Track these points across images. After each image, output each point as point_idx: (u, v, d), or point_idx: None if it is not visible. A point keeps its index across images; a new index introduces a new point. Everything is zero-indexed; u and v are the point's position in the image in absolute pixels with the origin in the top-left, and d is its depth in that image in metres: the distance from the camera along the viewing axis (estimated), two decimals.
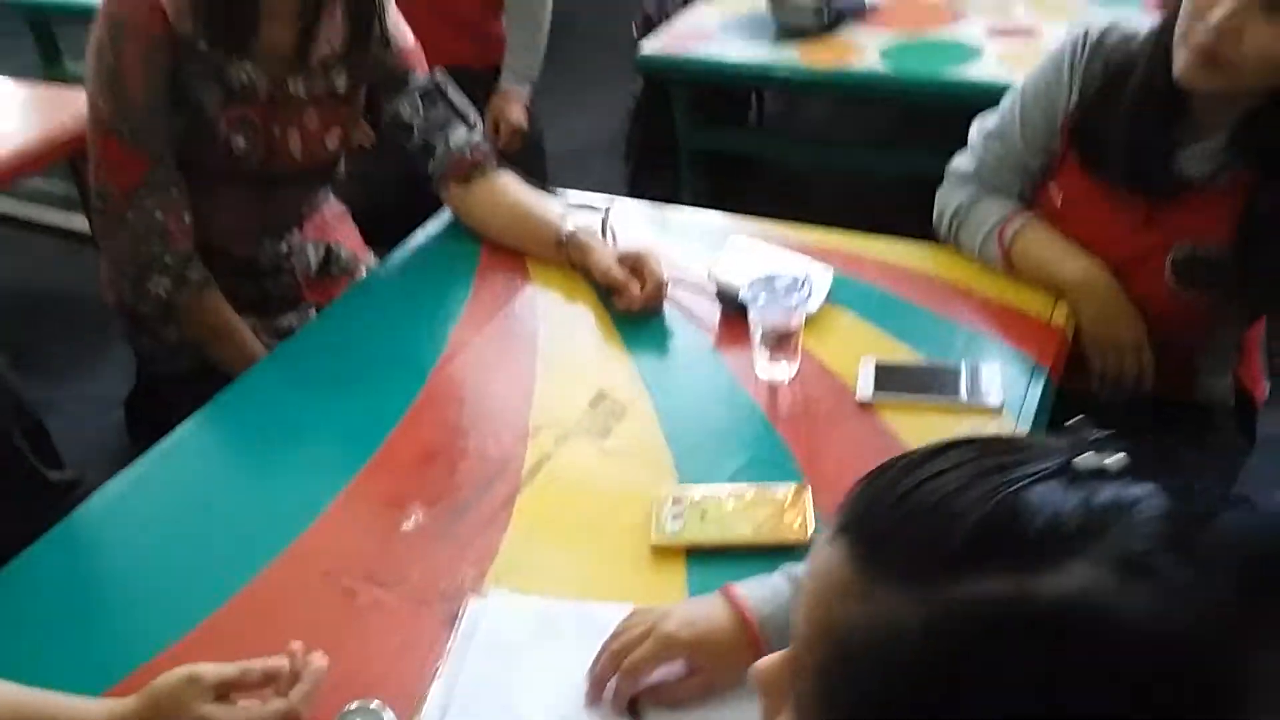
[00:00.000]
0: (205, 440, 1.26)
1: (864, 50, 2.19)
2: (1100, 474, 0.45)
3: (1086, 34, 1.30)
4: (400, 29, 1.54)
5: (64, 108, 2.21)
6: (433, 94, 1.54)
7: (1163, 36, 1.19)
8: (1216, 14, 1.09)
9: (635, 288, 1.36)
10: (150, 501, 1.16)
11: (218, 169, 1.47)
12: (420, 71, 1.55)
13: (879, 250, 1.47)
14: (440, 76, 1.56)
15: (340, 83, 1.50)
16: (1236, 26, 1.09)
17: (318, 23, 1.43)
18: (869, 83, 2.15)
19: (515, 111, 2.27)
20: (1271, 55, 1.10)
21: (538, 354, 1.33)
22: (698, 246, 1.48)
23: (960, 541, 0.43)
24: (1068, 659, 0.41)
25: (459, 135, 1.54)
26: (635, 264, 1.38)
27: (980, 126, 1.44)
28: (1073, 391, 1.33)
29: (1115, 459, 0.46)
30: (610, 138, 2.88)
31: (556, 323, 1.39)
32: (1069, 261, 1.35)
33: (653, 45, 2.35)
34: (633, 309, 1.36)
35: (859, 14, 2.31)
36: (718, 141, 2.58)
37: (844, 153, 2.79)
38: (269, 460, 1.22)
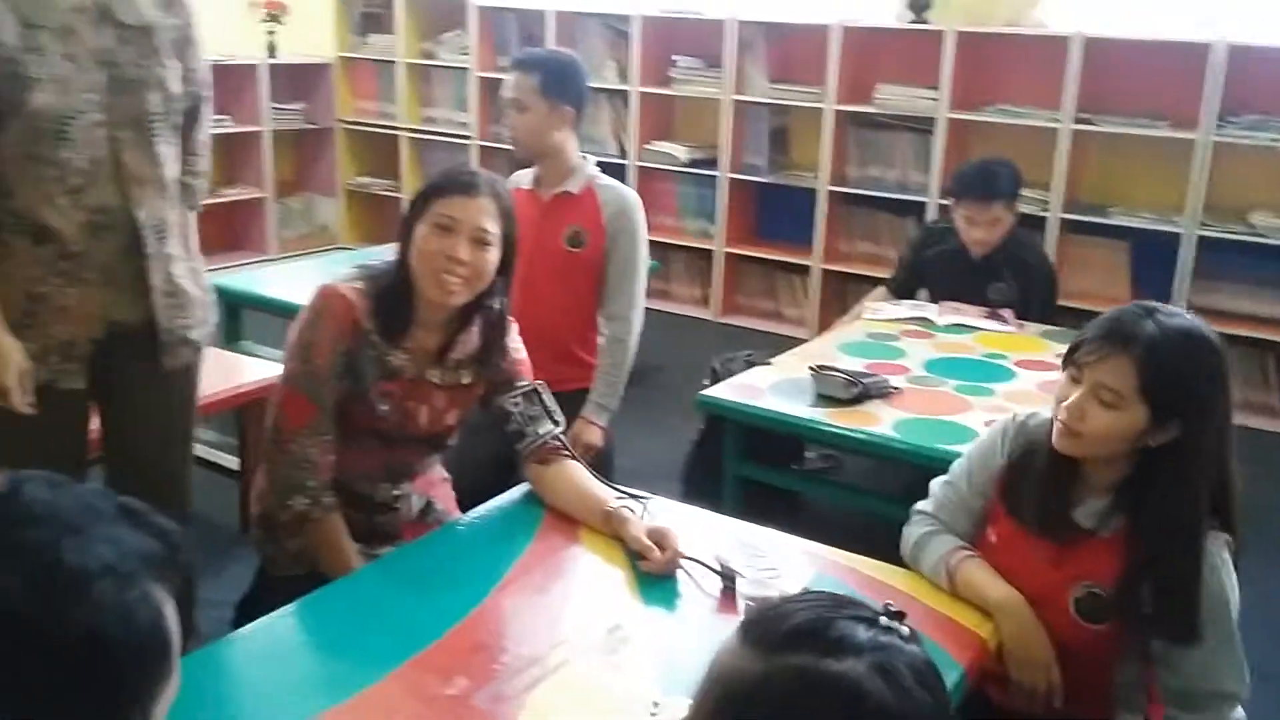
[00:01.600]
0: (306, 618, 1.66)
1: (883, 421, 2.66)
2: (892, 629, 0.85)
3: (1016, 416, 1.77)
4: (516, 345, 2.07)
5: (240, 373, 2.79)
6: (532, 395, 2.04)
7: None
8: (1069, 400, 1.57)
9: (657, 554, 1.77)
10: (253, 654, 1.55)
11: (362, 425, 1.96)
12: (526, 377, 2.06)
13: (858, 563, 1.86)
14: (540, 384, 2.07)
15: (466, 378, 2.01)
16: (1081, 408, 1.56)
17: (459, 334, 1.97)
18: (882, 446, 2.60)
19: (592, 435, 2.76)
20: (1107, 433, 1.56)
21: (574, 590, 1.73)
22: (713, 540, 1.89)
23: (790, 630, 0.84)
24: (831, 709, 0.80)
25: (545, 428, 2.02)
26: (659, 538, 1.80)
27: (940, 479, 1.87)
28: (998, 704, 1.68)
29: (905, 626, 0.86)
30: (673, 463, 3.36)
31: (593, 571, 1.79)
32: (995, 588, 1.71)
33: (713, 391, 2.87)
34: (653, 570, 1.76)
35: (884, 394, 2.81)
36: (755, 473, 3.02)
37: (854, 495, 3.22)
38: (350, 635, 1.61)
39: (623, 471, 2.91)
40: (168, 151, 1.99)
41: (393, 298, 1.91)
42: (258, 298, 3.66)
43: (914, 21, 4.73)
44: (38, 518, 0.78)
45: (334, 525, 1.93)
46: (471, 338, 1.99)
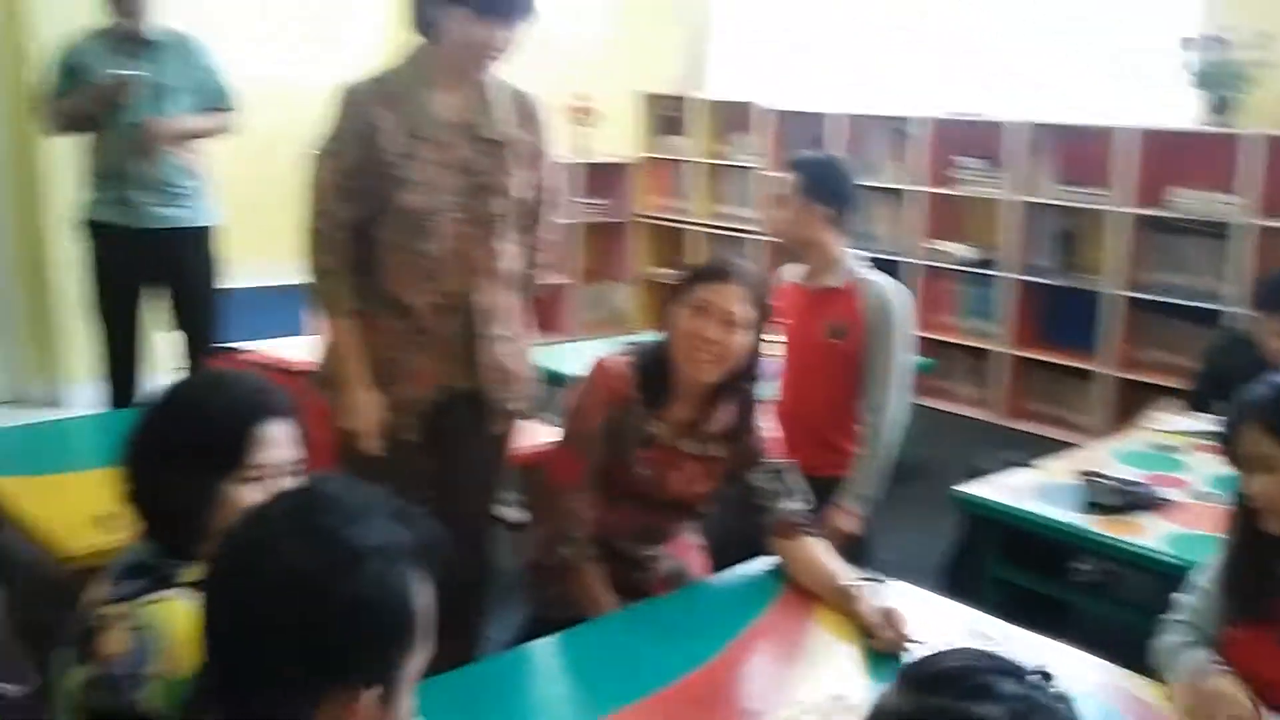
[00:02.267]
0: (557, 652, 1.86)
1: (1153, 533, 2.57)
2: (1039, 685, 0.92)
3: None
4: (766, 424, 2.21)
5: (528, 437, 3.08)
6: (778, 472, 2.17)
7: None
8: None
9: (886, 632, 1.84)
10: (505, 677, 1.75)
11: (622, 486, 2.16)
12: (773, 455, 2.19)
13: (1117, 675, 1.82)
14: (787, 463, 2.19)
15: (717, 451, 2.18)
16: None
17: (712, 409, 2.14)
18: (1147, 558, 2.52)
19: (846, 521, 2.83)
20: None
21: (802, 657, 1.83)
22: (952, 629, 1.93)
23: (940, 673, 0.93)
24: None
25: (790, 505, 2.14)
26: (888, 618, 1.87)
27: (1187, 587, 1.84)
28: None
29: (1054, 686, 0.93)
30: (934, 560, 3.35)
31: (823, 642, 1.89)
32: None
33: (974, 489, 2.88)
34: (880, 648, 1.83)
35: (1154, 506, 2.71)
36: (1016, 576, 2.97)
37: (1120, 610, 3.06)
38: (592, 670, 1.79)
39: (881, 564, 2.95)
40: (508, 247, 2.30)
41: (656, 372, 2.12)
42: (552, 373, 3.99)
43: (1214, 124, 4.55)
44: (330, 507, 1.03)
45: (593, 574, 2.13)
46: (724, 414, 2.15)
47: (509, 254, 2.30)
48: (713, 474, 2.20)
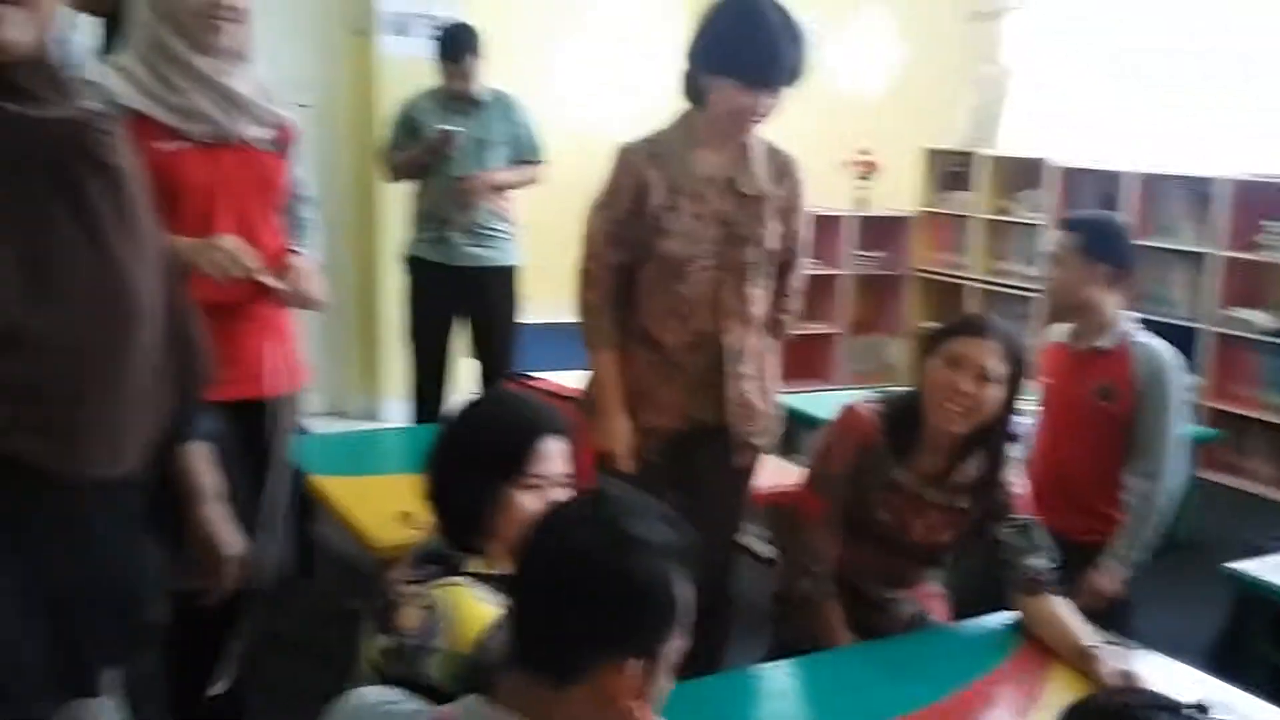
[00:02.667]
0: (790, 677, 1.98)
1: None
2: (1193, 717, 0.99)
3: None
4: (1015, 479, 2.24)
5: (784, 477, 3.21)
6: (1025, 528, 2.19)
7: None
8: None
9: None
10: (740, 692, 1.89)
11: (864, 529, 2.25)
12: (1021, 511, 2.21)
13: None
14: (1034, 519, 2.21)
15: (963, 502, 2.23)
16: None
17: (960, 461, 2.20)
18: None
19: (1106, 584, 2.77)
20: None
21: (1033, 709, 1.86)
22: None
23: (1097, 710, 1.01)
24: None
25: (1036, 562, 2.16)
26: (1127, 680, 1.86)
27: None
28: None
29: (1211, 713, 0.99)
30: (1201, 639, 3.18)
31: (1055, 699, 1.89)
32: None
33: (1247, 566, 2.74)
34: None
35: None
36: None
37: None
38: (821, 695, 1.89)
39: (1138, 634, 2.85)
40: (758, 293, 2.48)
41: (904, 421, 2.20)
42: (814, 419, 4.11)
43: None
44: (614, 504, 1.26)
45: (833, 610, 2.23)
46: (972, 466, 2.20)
47: (758, 299, 2.47)
48: (957, 524, 2.25)
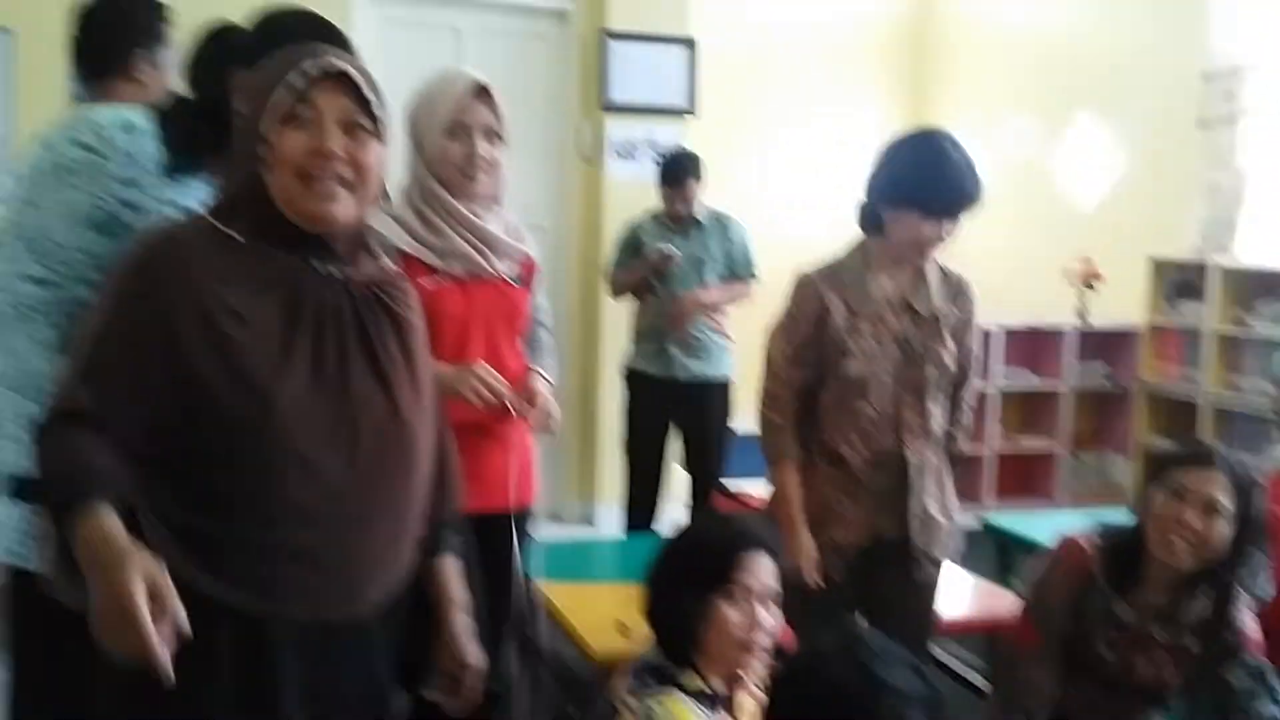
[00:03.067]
0: None
1: None
2: None
3: None
4: (1246, 621, 2.15)
5: (997, 603, 3.17)
6: (1258, 674, 2.10)
7: None
8: None
9: None
10: None
11: (1084, 667, 2.21)
12: (1254, 655, 2.12)
13: None
14: (1268, 666, 2.11)
15: (1190, 642, 2.16)
16: None
17: (1188, 598, 2.14)
18: None
19: None
20: None
21: None
22: None
23: None
24: None
25: (1270, 710, 2.06)
26: None
27: None
28: None
29: None
30: None
31: None
32: None
33: None
34: None
35: None
36: None
37: None
38: None
39: None
40: (937, 410, 2.54)
41: (1125, 554, 2.17)
42: (1031, 541, 4.00)
43: None
44: (868, 647, 1.39)
45: None
46: (1199, 604, 2.14)
47: (937, 415, 2.54)
48: (1183, 665, 2.18)
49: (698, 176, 4.39)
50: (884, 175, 2.49)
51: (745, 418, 4.58)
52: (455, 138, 2.20)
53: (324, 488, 1.41)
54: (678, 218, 4.40)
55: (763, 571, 1.74)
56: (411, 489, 1.54)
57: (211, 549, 1.36)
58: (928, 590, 2.62)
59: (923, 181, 2.40)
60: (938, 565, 2.60)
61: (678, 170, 4.38)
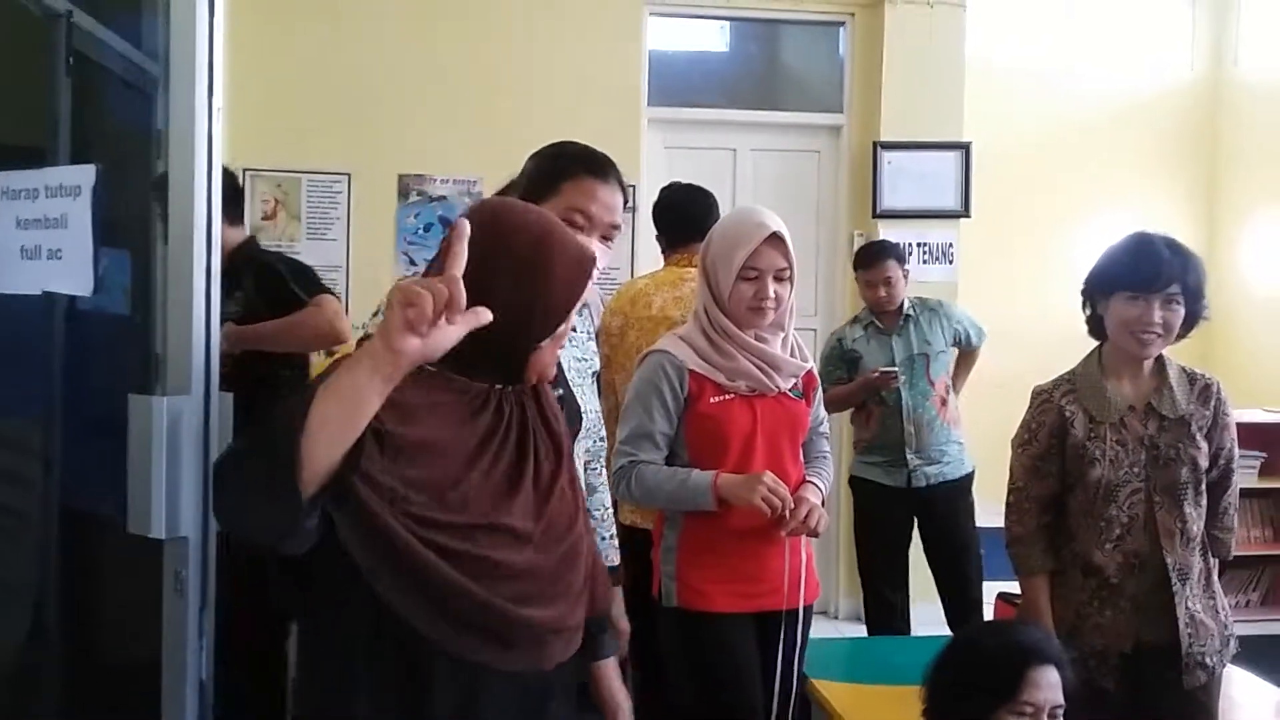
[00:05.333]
0: None
1: None
2: None
3: None
4: None
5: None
6: None
7: None
8: None
9: None
10: None
11: None
12: None
13: None
14: None
15: None
16: None
17: None
18: None
19: None
20: None
21: None
22: None
23: None
24: None
25: None
26: None
27: None
28: None
29: None
30: None
31: None
32: None
33: None
34: None
35: None
36: None
37: None
38: None
39: None
40: (1193, 512, 2.52)
41: None
42: None
43: None
44: None
45: None
46: None
47: (1194, 518, 2.51)
48: None
49: (900, 259, 4.13)
50: (1094, 271, 2.60)
51: (991, 511, 4.39)
52: (748, 280, 2.43)
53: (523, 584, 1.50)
54: (882, 309, 4.13)
55: (1049, 687, 1.79)
56: (579, 574, 1.62)
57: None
58: (1201, 699, 2.55)
59: (1124, 262, 2.50)
60: (1211, 672, 2.52)
61: (875, 250, 4.16)
